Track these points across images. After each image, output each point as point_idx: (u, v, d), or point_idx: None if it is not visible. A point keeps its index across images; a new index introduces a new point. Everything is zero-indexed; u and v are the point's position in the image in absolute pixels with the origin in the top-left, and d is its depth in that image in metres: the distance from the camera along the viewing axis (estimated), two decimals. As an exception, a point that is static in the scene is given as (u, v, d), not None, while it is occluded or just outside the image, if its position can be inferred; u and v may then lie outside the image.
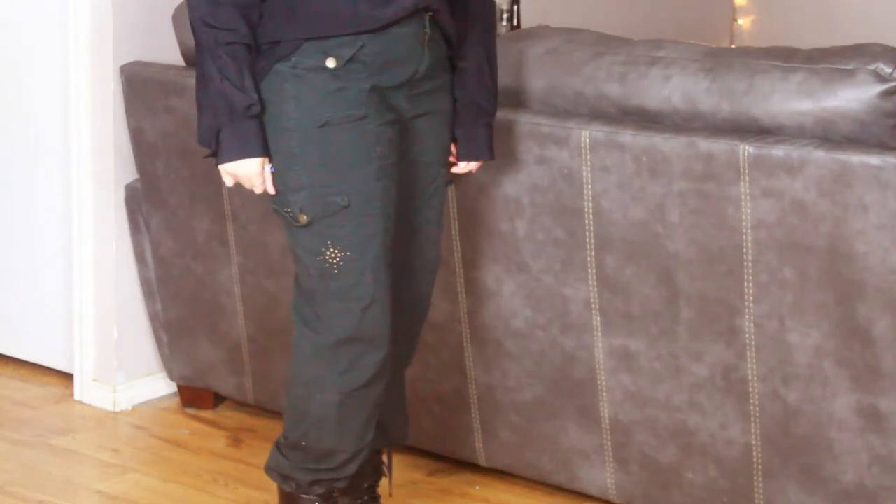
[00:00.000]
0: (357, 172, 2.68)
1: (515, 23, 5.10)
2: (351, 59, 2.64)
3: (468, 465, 3.37)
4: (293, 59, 2.65)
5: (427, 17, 2.72)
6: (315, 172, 2.67)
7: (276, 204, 2.73)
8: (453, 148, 2.89)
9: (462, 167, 2.91)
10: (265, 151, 2.67)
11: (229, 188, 3.39)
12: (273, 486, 3.25)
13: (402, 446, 3.46)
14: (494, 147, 2.91)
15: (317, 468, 2.87)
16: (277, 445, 2.92)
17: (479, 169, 2.95)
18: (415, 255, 2.87)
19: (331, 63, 2.64)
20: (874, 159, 2.67)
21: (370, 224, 2.70)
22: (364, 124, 2.67)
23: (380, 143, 2.69)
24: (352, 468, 2.88)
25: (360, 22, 2.64)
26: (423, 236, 2.88)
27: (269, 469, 2.94)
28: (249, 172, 2.68)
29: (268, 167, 2.68)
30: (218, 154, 2.67)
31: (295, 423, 2.85)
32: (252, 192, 2.78)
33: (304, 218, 2.68)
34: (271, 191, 2.72)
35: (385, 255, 2.73)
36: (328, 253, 2.70)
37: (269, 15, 2.65)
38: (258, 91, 2.65)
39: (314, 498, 2.89)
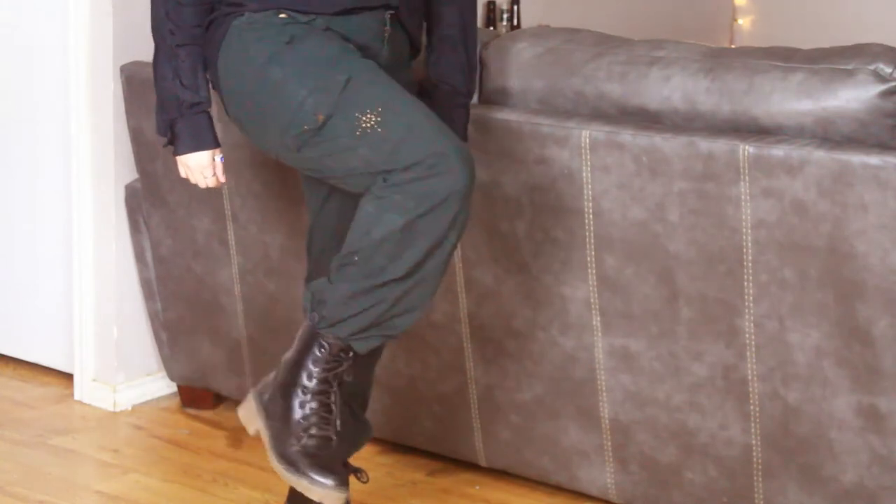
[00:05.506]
0: (343, 58, 2.66)
1: (515, 23, 5.10)
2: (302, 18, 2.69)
3: (468, 465, 3.37)
4: (245, 14, 2.70)
5: (388, 15, 2.75)
6: (305, 76, 2.64)
7: (292, 131, 2.65)
8: None
9: None
10: (217, 144, 2.82)
11: (229, 188, 3.40)
12: (273, 486, 3.25)
13: (403, 446, 3.46)
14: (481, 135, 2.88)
15: (365, 285, 2.66)
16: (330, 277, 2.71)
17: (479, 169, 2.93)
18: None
19: (283, 14, 2.68)
20: (874, 159, 2.67)
21: (381, 82, 2.64)
22: (329, 34, 2.69)
23: (352, 50, 2.69)
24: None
25: (311, 3, 2.69)
26: None
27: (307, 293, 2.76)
28: (201, 163, 2.82)
29: (218, 157, 2.83)
30: (175, 145, 2.82)
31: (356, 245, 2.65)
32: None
33: (321, 117, 2.62)
34: (222, 179, 2.84)
35: (417, 103, 2.65)
36: (363, 119, 2.60)
37: None
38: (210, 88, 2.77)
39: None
